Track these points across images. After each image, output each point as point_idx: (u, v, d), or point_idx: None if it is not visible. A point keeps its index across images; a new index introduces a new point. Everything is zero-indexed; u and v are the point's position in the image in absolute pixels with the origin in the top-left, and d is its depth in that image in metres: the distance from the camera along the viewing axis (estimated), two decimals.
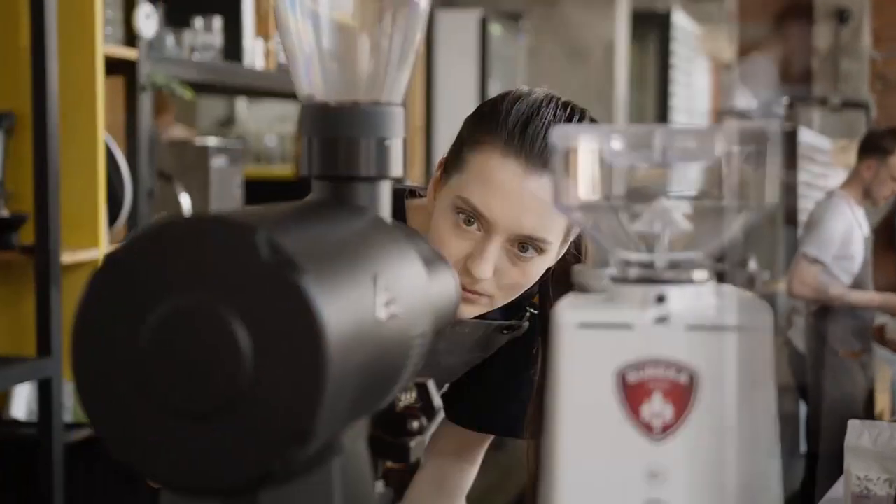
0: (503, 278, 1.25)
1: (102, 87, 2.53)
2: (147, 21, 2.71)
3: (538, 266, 1.27)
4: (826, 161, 7.33)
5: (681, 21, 7.86)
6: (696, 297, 0.66)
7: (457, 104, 5.65)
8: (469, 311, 1.28)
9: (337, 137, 0.75)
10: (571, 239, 1.31)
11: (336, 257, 0.64)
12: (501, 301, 1.29)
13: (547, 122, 1.24)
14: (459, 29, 5.90)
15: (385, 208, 0.77)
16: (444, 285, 0.81)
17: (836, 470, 1.84)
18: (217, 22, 3.15)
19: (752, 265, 6.10)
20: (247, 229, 0.59)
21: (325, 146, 0.75)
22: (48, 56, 2.36)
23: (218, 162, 3.16)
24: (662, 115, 7.67)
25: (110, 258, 0.60)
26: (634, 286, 0.66)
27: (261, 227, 0.59)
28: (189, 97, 2.83)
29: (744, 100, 5.68)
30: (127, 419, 0.60)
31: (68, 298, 2.41)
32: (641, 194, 0.67)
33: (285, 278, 0.58)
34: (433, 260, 0.80)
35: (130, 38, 2.72)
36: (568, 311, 0.65)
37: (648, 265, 0.67)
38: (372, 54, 0.77)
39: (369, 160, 0.75)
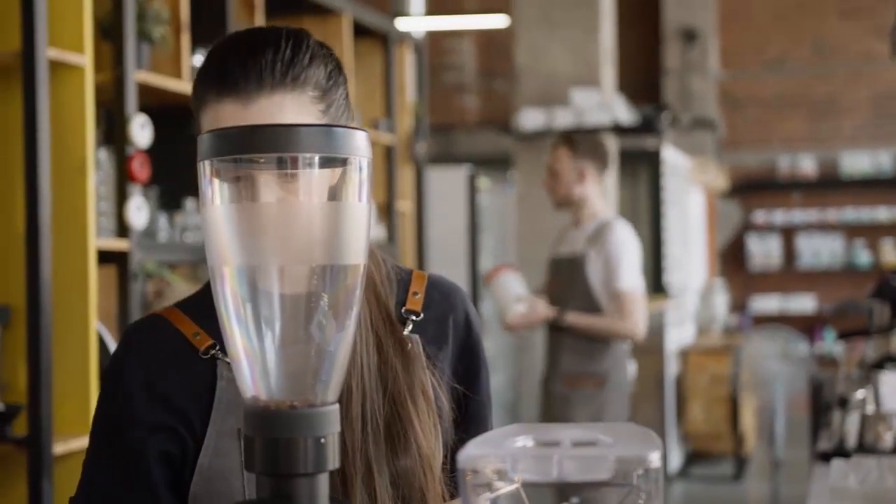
0: None
1: (96, 279, 2.63)
2: (138, 213, 2.82)
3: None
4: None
5: (670, 156, 8.02)
6: None
7: (448, 257, 5.78)
8: None
9: (277, 438, 0.84)
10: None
11: None
12: None
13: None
14: (449, 184, 6.07)
15: (322, 499, 0.85)
16: None
17: None
18: None
19: None
20: None
21: (267, 446, 0.84)
22: (42, 252, 2.47)
23: None
24: (656, 249, 7.74)
25: None
26: None
27: None
28: (177, 282, 2.92)
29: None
30: None
31: (60, 489, 2.47)
32: None
33: None
34: None
35: (123, 228, 2.83)
36: None
37: None
38: (308, 360, 0.86)
39: (307, 458, 0.84)
